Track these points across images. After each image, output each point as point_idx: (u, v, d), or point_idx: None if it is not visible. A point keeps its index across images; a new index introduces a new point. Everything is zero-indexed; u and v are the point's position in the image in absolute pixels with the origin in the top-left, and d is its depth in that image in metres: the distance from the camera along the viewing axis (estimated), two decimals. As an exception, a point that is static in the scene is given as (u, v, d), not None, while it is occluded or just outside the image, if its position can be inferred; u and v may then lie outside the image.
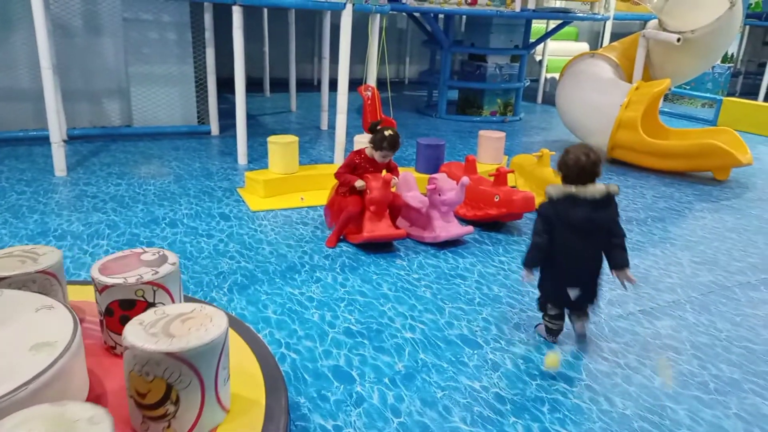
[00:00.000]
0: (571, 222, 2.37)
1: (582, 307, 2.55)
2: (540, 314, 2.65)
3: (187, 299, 2.25)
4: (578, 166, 2.36)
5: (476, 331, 2.70)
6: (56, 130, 4.52)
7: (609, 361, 2.51)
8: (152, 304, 1.85)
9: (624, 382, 2.37)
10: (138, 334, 1.56)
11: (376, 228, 3.46)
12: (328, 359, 2.42)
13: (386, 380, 2.30)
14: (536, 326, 2.73)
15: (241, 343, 2.11)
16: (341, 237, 3.62)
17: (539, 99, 9.94)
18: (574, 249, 2.41)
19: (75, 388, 1.60)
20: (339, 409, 2.12)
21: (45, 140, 4.68)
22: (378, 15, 5.34)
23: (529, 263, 2.49)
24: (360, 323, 2.71)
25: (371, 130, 3.60)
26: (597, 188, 2.36)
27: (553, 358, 2.23)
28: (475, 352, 2.53)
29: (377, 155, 3.56)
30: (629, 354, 2.58)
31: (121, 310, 1.84)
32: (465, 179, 3.53)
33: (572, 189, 2.36)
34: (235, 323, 2.22)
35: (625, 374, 2.42)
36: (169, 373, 1.52)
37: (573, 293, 2.46)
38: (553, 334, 2.62)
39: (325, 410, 2.10)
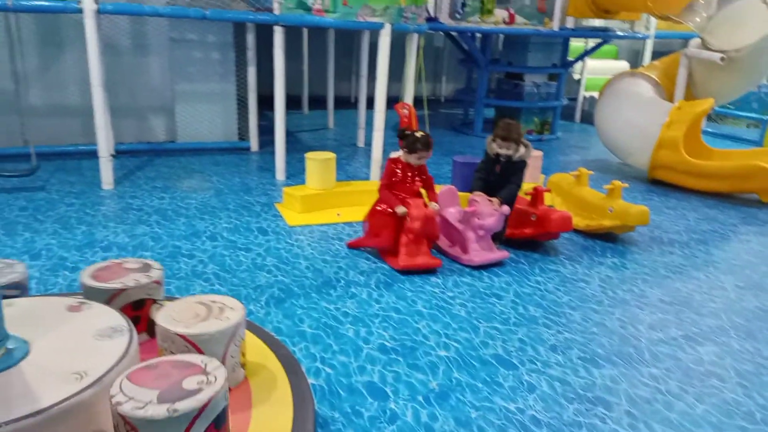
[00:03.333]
0: None
1: None
2: None
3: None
4: None
5: (511, 351, 2.67)
6: (104, 144, 4.70)
7: (649, 386, 2.45)
8: None
9: (665, 409, 2.31)
10: None
11: (414, 258, 3.44)
12: (363, 375, 2.43)
13: (420, 398, 2.29)
14: None
15: (270, 354, 2.12)
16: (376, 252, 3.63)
17: (577, 118, 9.83)
18: None
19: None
20: (373, 425, 2.12)
21: (93, 154, 4.86)
22: (416, 34, 5.40)
23: None
24: (394, 340, 2.71)
25: (400, 136, 3.62)
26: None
27: None
28: (510, 372, 2.50)
29: (413, 158, 3.56)
30: (670, 380, 2.51)
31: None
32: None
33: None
34: (267, 336, 2.24)
35: (666, 401, 2.36)
36: None
37: None
38: None
39: (359, 426, 2.11)
